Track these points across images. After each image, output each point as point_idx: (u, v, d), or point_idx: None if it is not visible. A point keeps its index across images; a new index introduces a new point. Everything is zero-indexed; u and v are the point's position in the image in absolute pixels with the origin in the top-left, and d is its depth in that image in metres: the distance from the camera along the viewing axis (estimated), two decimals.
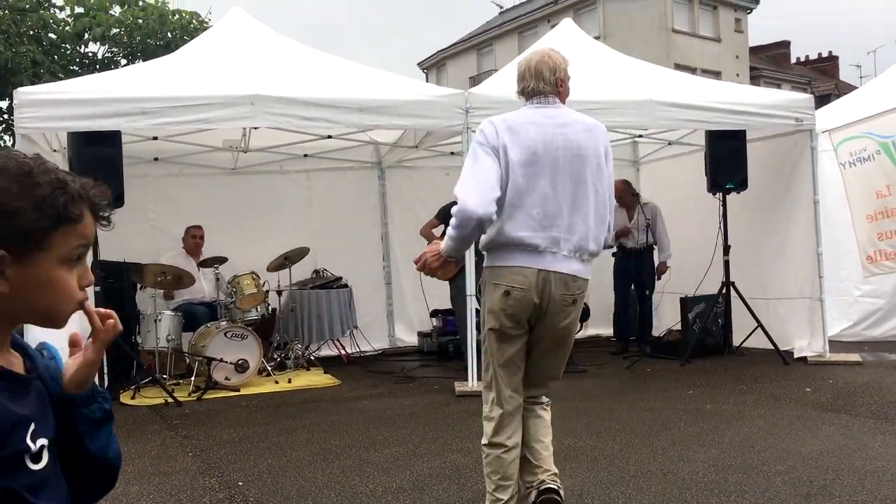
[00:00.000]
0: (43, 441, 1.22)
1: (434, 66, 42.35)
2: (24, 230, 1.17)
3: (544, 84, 3.11)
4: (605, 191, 3.09)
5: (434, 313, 8.74)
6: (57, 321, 1.26)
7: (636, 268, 8.21)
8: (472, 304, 6.57)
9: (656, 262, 8.25)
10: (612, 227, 3.23)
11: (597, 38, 25.26)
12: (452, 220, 2.93)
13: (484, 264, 3.15)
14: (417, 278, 8.21)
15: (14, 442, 1.17)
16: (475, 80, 33.13)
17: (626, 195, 8.03)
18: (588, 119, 3.15)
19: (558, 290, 3.01)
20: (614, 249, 8.17)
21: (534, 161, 2.98)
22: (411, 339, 9.10)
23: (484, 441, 3.18)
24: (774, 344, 7.34)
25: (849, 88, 30.63)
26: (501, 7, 40.89)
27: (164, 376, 6.82)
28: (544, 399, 3.31)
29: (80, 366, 1.33)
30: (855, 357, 7.31)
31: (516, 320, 3.05)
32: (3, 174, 1.17)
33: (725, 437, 4.81)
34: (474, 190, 2.91)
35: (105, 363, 6.35)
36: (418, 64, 43.38)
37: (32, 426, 1.20)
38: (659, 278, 8.23)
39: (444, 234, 7.73)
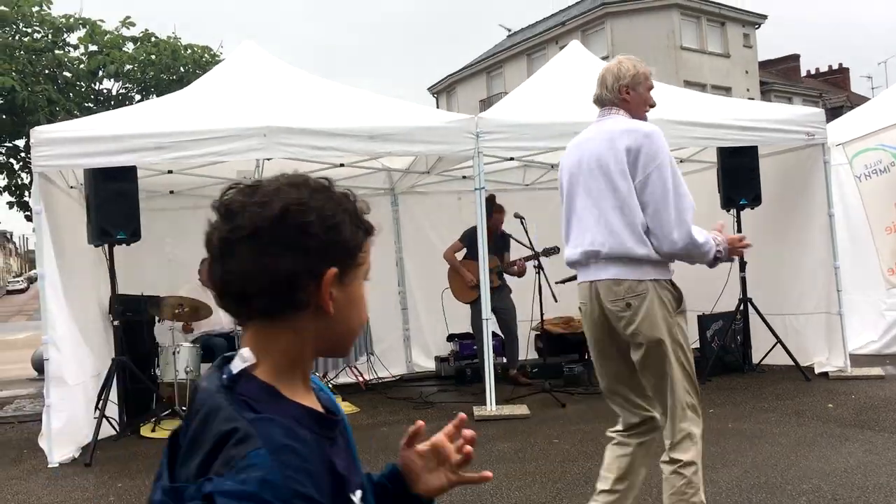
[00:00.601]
0: (359, 492, 1.12)
1: (444, 90, 42.64)
2: (347, 244, 1.10)
3: (606, 91, 3.11)
4: (627, 195, 2.94)
5: (451, 337, 8.73)
6: (351, 345, 1.17)
7: None
8: (488, 328, 6.56)
9: None
10: (665, 229, 2.95)
11: (605, 58, 25.31)
12: None
13: None
14: (437, 301, 8.23)
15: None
16: (485, 104, 33.31)
17: None
18: (618, 126, 3.01)
19: (606, 296, 3.00)
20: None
21: (571, 182, 3.12)
22: (429, 364, 9.09)
23: None
24: (795, 360, 7.27)
25: (861, 100, 30.54)
26: (509, 30, 41.19)
27: (184, 408, 6.83)
28: (667, 447, 2.97)
29: (454, 483, 1.23)
30: (877, 371, 7.23)
31: (593, 334, 3.13)
32: (319, 192, 1.11)
33: (748, 456, 4.76)
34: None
35: (119, 395, 6.39)
36: (428, 88, 43.70)
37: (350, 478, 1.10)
38: None
39: (467, 256, 7.83)
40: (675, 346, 2.96)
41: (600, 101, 3.14)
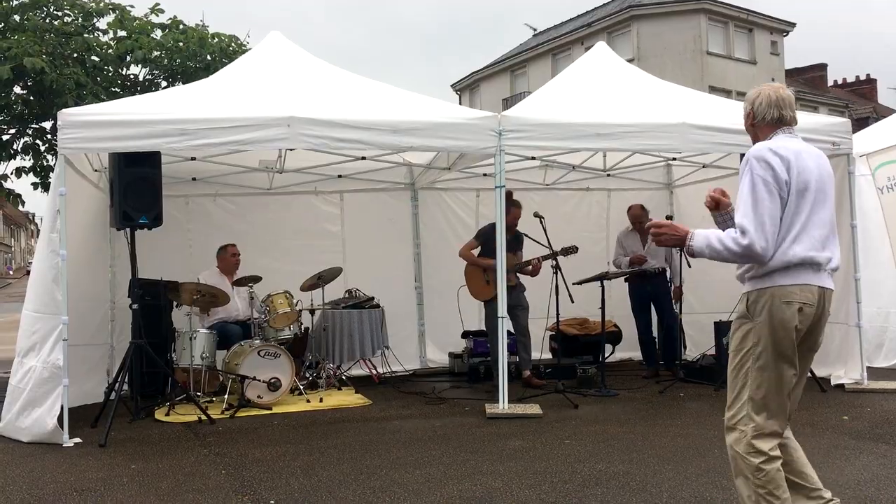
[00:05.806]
0: None
1: (468, 87, 42.59)
2: None
3: (794, 114, 3.31)
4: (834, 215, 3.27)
5: (465, 334, 8.75)
6: None
7: (653, 291, 8.24)
8: (503, 327, 6.55)
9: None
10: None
11: (630, 60, 25.23)
12: (730, 243, 3.04)
13: (758, 285, 3.17)
14: (452, 298, 8.23)
15: None
16: (508, 102, 33.24)
17: (645, 219, 8.01)
18: (813, 150, 3.28)
19: (829, 305, 3.22)
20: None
21: (817, 189, 3.17)
22: (442, 360, 9.11)
23: (759, 460, 3.27)
24: (811, 370, 7.21)
25: (888, 112, 30.21)
26: (535, 29, 41.09)
27: (198, 394, 6.90)
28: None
29: None
30: (894, 385, 7.17)
31: (800, 336, 3.16)
32: None
33: None
34: (765, 229, 3.03)
35: (136, 378, 6.45)
36: (452, 85, 43.70)
37: None
38: (677, 301, 8.14)
39: (481, 255, 7.79)
40: None
41: (788, 122, 3.29)
